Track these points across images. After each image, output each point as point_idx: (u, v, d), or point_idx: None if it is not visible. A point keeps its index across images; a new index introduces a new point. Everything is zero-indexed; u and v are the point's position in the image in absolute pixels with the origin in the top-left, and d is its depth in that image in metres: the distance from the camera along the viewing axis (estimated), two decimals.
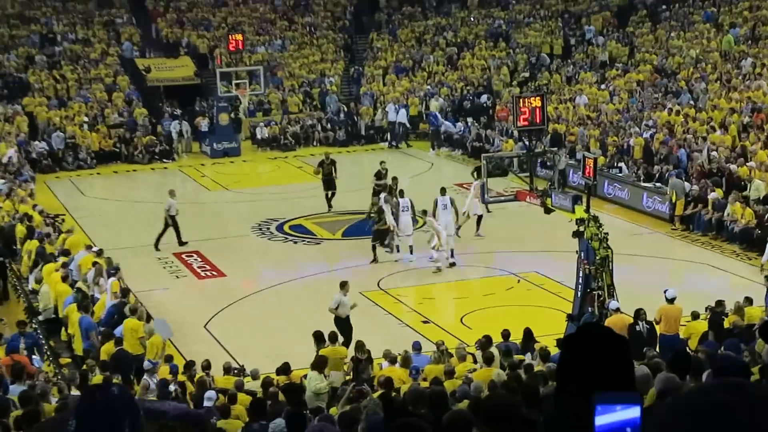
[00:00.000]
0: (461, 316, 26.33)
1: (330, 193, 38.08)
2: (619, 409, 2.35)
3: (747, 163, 34.60)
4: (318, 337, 21.81)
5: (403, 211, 31.61)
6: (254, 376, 20.58)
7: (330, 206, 37.88)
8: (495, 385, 15.67)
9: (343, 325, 24.21)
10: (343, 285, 24.86)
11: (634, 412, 2.32)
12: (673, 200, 34.07)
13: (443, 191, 31.86)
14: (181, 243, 33.52)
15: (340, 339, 22.60)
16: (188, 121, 52.86)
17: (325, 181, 38.22)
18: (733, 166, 34.63)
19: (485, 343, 20.62)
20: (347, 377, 21.00)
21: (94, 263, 27.25)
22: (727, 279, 28.91)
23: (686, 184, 34.72)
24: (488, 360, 19.24)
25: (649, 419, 1.92)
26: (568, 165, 38.43)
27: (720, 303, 22.29)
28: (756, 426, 1.75)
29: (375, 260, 31.26)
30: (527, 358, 20.62)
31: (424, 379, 19.28)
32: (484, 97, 54.28)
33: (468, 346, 22.09)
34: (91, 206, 40.83)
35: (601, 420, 2.38)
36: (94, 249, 29.44)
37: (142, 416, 2.49)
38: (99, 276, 26.42)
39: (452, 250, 30.67)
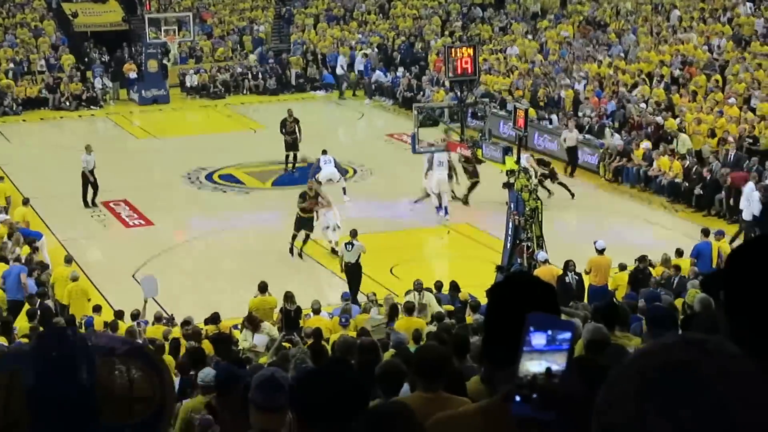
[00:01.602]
0: (391, 266, 26.41)
1: (293, 154, 35.88)
2: (551, 333, 2.39)
3: (674, 117, 34.97)
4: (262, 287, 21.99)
5: (325, 164, 31.60)
6: (188, 323, 20.50)
7: (292, 168, 35.89)
8: (419, 334, 15.78)
9: (358, 271, 24.48)
10: (355, 233, 24.90)
11: (565, 336, 2.38)
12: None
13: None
14: (86, 204, 32.25)
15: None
16: (115, 69, 52.28)
17: (288, 141, 35.98)
18: (659, 119, 34.96)
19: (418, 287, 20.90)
20: (277, 327, 21.03)
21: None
22: (654, 231, 29.25)
23: (615, 136, 35.10)
24: (409, 310, 19.34)
25: (609, 376, 1.93)
26: (499, 116, 38.61)
27: (643, 258, 22.56)
28: (715, 380, 1.79)
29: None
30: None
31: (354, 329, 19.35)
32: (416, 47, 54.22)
33: (397, 296, 22.21)
34: (17, 154, 40.29)
35: (534, 339, 2.43)
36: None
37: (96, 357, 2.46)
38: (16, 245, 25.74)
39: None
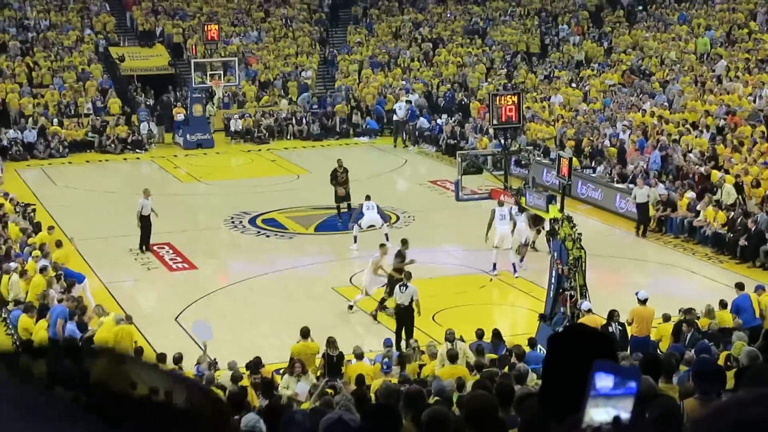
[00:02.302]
0: (433, 313, 26.41)
1: (346, 204, 35.17)
2: (618, 380, 2.38)
3: (719, 168, 34.86)
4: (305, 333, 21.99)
5: (368, 209, 31.78)
6: (231, 368, 20.54)
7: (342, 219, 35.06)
8: (463, 383, 15.77)
9: (409, 314, 24.33)
10: (409, 276, 24.86)
11: (631, 384, 2.37)
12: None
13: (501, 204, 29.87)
14: (143, 249, 32.27)
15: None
16: (160, 113, 52.81)
17: (341, 193, 35.23)
18: (704, 169, 34.84)
19: (450, 336, 20.89)
20: (319, 372, 21.06)
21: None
22: (698, 282, 29.09)
23: (660, 186, 34.89)
24: (452, 357, 19.33)
25: (691, 428, 1.96)
26: (542, 164, 38.62)
27: (689, 310, 22.41)
28: None
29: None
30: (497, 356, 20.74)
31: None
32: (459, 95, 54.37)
33: (439, 343, 22.19)
34: (62, 195, 40.68)
35: (600, 382, 2.39)
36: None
37: None
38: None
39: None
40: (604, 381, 2.37)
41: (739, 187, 32.94)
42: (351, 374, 19.70)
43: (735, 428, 1.84)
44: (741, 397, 1.89)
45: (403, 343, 23.43)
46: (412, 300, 24.29)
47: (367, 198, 32.03)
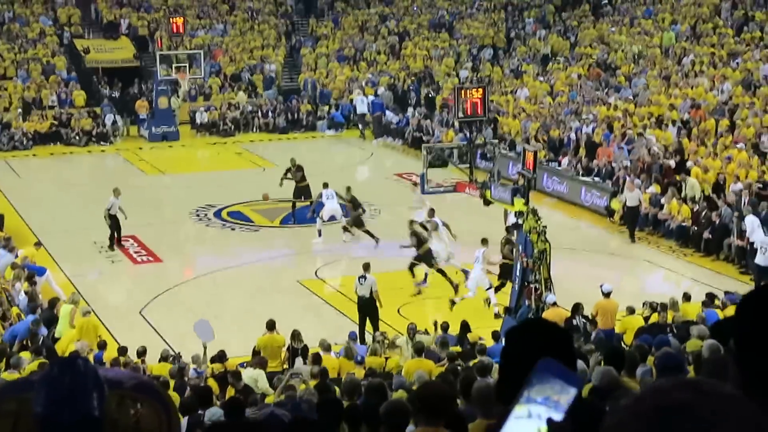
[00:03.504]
0: (398, 306, 26.41)
1: (304, 199, 34.65)
2: (553, 383, 2.25)
3: (684, 161, 35.00)
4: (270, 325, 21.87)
5: (327, 198, 31.69)
6: (195, 361, 20.46)
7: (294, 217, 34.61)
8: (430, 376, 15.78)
9: (372, 306, 24.30)
10: (367, 267, 24.80)
11: (567, 393, 2.23)
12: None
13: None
14: (112, 247, 31.69)
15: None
16: (124, 105, 52.57)
17: (298, 188, 34.72)
18: (672, 162, 34.97)
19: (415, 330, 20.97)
20: (284, 366, 21.01)
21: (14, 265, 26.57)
22: (663, 275, 29.24)
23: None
24: (418, 351, 19.35)
25: (606, 421, 1.94)
26: (508, 158, 38.68)
27: (650, 303, 22.45)
28: (714, 421, 1.80)
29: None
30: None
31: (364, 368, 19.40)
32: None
33: (403, 335, 22.21)
34: (27, 188, 40.43)
35: (536, 383, 2.24)
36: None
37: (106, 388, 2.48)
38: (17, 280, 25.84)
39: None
40: (543, 381, 2.25)
41: (718, 185, 32.76)
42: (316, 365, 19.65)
43: (654, 414, 1.85)
44: (660, 384, 1.90)
45: (369, 336, 23.38)
46: (371, 291, 24.26)
47: (325, 186, 31.83)
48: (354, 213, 31.22)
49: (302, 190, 34.67)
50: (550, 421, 2.18)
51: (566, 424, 2.17)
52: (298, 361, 20.75)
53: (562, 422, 2.17)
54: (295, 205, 34.71)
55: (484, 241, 26.94)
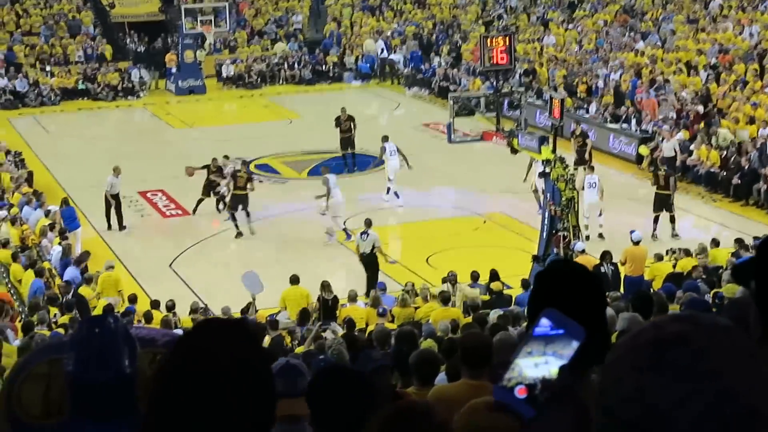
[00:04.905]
0: (427, 256, 26.42)
1: (351, 153, 34.80)
2: (557, 335, 2.20)
3: (713, 107, 34.73)
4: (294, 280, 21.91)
5: (391, 155, 31.15)
6: (225, 313, 20.57)
7: (351, 167, 34.72)
8: (457, 325, 15.81)
9: (374, 262, 24.17)
10: (369, 223, 24.73)
11: (569, 346, 2.18)
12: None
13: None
14: (122, 227, 29.56)
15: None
16: (150, 59, 52.57)
17: (343, 139, 34.86)
18: (700, 108, 34.71)
19: (452, 278, 20.97)
20: (314, 316, 21.09)
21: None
22: (692, 221, 29.09)
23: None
24: (445, 300, 19.38)
25: (607, 357, 1.95)
26: (535, 106, 38.50)
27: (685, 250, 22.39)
28: (709, 350, 1.82)
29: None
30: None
31: (391, 320, 19.45)
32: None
33: (433, 286, 22.21)
34: (55, 143, 40.57)
35: (537, 332, 2.20)
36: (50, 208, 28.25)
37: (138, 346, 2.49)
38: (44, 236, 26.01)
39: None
40: (543, 331, 2.20)
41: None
42: (344, 317, 19.74)
43: (651, 346, 1.87)
44: (659, 319, 1.93)
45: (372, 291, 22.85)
46: (374, 247, 24.18)
47: (386, 139, 31.42)
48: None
49: (347, 141, 34.61)
50: (561, 369, 2.16)
51: (569, 376, 2.16)
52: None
53: (566, 372, 2.15)
54: (345, 156, 34.65)
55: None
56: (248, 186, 28.69)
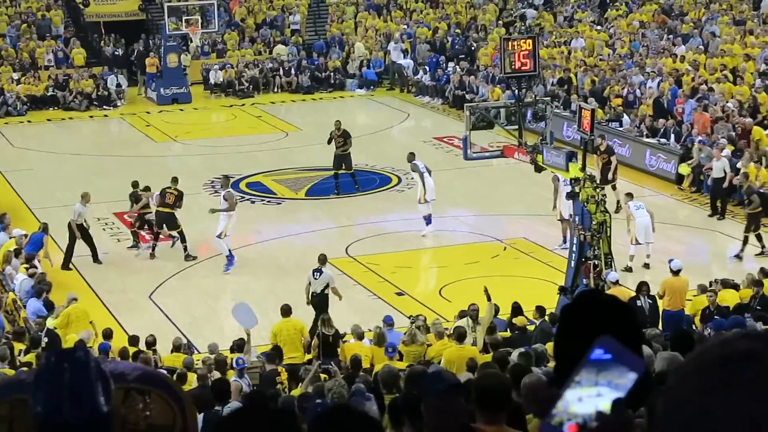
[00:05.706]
0: (440, 287, 26.42)
1: (347, 171, 34.51)
2: (612, 365, 2.21)
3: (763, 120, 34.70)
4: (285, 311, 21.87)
5: (425, 173, 30.72)
6: (212, 351, 20.55)
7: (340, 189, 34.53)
8: (475, 365, 15.78)
9: (323, 302, 23.84)
10: (324, 259, 24.55)
11: (626, 378, 2.19)
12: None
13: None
14: (97, 259, 29.22)
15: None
16: (131, 64, 52.67)
17: (336, 157, 34.47)
18: (748, 120, 34.65)
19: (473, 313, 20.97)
20: (313, 354, 21.06)
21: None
22: (737, 247, 29.00)
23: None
24: (460, 336, 19.33)
25: (671, 378, 1.97)
26: (562, 117, 38.51)
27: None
28: None
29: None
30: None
31: (399, 359, 19.43)
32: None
33: (447, 321, 22.20)
34: (21, 158, 40.62)
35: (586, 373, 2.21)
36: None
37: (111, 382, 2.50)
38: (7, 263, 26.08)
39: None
40: (598, 357, 2.22)
41: None
42: (348, 355, 19.71)
43: (720, 363, 1.90)
44: (725, 336, 1.95)
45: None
46: (326, 286, 23.90)
47: (412, 156, 31.01)
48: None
49: (342, 159, 34.46)
50: (616, 402, 2.16)
51: (625, 412, 2.17)
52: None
53: (622, 406, 2.16)
54: (337, 176, 34.54)
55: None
56: (177, 204, 29.20)
